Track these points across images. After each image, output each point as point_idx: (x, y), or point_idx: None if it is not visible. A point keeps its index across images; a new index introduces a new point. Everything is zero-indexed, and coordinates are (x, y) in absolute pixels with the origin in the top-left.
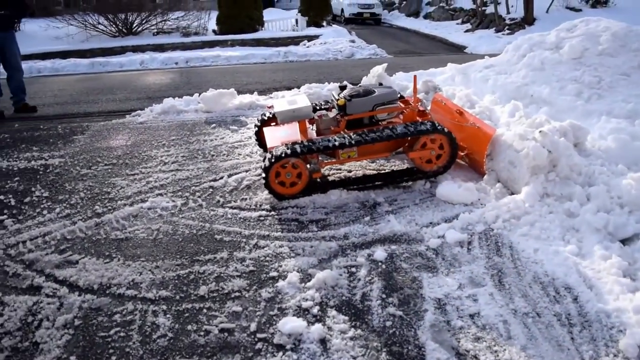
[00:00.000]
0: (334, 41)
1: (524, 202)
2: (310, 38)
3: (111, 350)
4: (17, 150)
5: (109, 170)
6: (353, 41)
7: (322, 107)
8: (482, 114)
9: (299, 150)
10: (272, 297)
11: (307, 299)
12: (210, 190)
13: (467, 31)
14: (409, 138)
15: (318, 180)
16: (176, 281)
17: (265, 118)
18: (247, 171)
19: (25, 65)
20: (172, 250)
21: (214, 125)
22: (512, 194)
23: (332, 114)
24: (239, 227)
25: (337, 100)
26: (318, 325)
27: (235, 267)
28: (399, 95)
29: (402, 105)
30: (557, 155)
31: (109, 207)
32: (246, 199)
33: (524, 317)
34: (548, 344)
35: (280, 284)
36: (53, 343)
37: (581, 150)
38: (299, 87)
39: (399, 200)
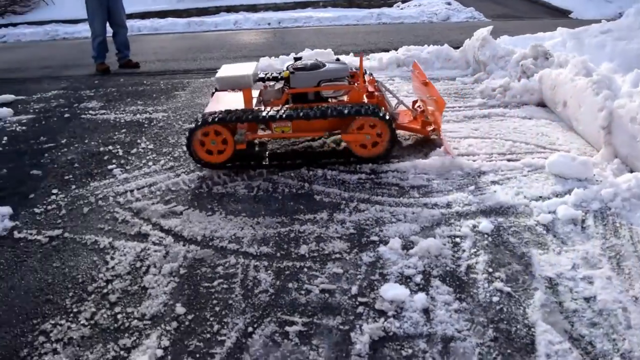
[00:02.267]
0: (429, 3)
1: None
2: (404, 0)
3: (215, 301)
4: (123, 103)
5: None
6: (449, 3)
7: (272, 77)
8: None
9: (217, 118)
10: (373, 262)
11: (409, 267)
12: (309, 150)
13: None
14: (346, 119)
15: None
16: (277, 238)
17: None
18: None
19: (127, 23)
20: (272, 207)
21: None
22: (632, 171)
23: (279, 85)
24: (338, 189)
25: (283, 72)
26: (421, 295)
27: (335, 229)
28: (349, 73)
29: (348, 84)
30: None
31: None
32: (344, 160)
33: None
34: None
35: (382, 249)
36: (160, 289)
37: None
38: (396, 50)
39: (505, 171)
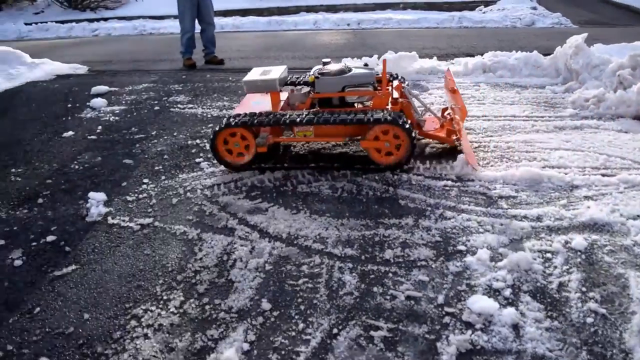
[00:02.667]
0: (513, 7)
1: None
2: (487, 3)
3: (299, 300)
4: (209, 99)
5: None
6: (534, 8)
7: (303, 82)
8: None
9: (240, 121)
10: (460, 272)
11: (498, 279)
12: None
13: None
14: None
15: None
16: (361, 241)
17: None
18: None
19: None
20: (357, 209)
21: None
22: None
23: (306, 89)
24: (423, 195)
25: (309, 76)
26: (511, 309)
27: (421, 235)
28: (374, 79)
29: (372, 90)
30: None
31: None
32: (429, 166)
33: None
34: None
35: (469, 259)
36: (246, 283)
37: None
38: (482, 55)
39: (599, 186)
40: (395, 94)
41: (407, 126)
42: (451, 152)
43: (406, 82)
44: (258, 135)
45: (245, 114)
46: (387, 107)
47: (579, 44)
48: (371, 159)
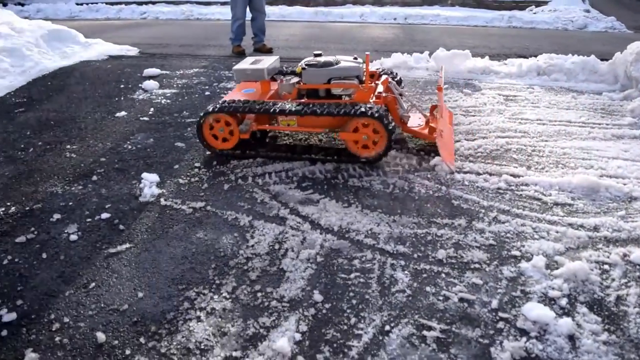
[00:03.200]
0: (566, 9)
1: None
2: (538, 3)
3: (351, 294)
4: None
5: None
6: (587, 11)
7: (292, 72)
8: None
9: (223, 107)
10: (514, 277)
11: (554, 288)
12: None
13: None
14: (345, 118)
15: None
16: (413, 239)
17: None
18: (484, 138)
19: None
20: (409, 207)
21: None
22: None
23: (295, 80)
24: (476, 197)
25: (297, 67)
26: (567, 319)
27: (474, 237)
28: (362, 72)
29: (356, 83)
30: None
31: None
32: (482, 167)
33: None
34: None
35: (524, 265)
36: (298, 274)
37: None
38: (536, 57)
39: None
40: (382, 88)
41: (387, 121)
42: (504, 154)
43: (398, 78)
44: (242, 122)
45: (232, 101)
46: (369, 101)
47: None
48: (348, 150)
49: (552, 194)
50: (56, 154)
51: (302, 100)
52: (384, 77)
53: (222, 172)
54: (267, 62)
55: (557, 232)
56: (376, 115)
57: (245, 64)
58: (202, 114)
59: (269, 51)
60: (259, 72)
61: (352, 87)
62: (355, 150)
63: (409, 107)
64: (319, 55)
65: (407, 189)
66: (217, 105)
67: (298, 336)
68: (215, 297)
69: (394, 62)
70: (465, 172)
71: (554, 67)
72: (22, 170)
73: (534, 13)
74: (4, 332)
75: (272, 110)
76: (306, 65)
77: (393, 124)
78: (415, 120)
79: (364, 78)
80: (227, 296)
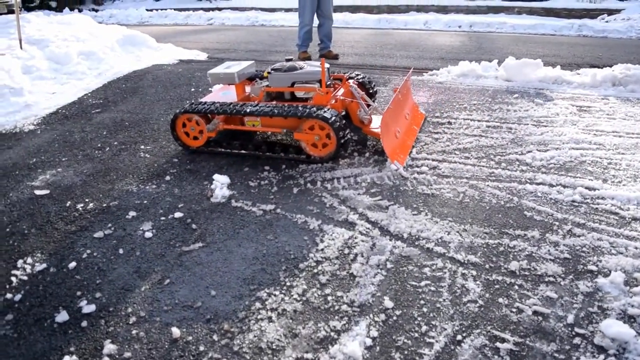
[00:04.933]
0: None
1: None
2: (611, 12)
3: (422, 302)
4: None
5: None
6: None
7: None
8: None
9: (191, 108)
10: (591, 293)
11: (633, 305)
12: (517, 162)
13: None
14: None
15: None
16: (485, 249)
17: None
18: (557, 149)
19: None
20: (480, 216)
21: (516, 95)
22: None
23: (265, 83)
24: (550, 209)
25: (265, 72)
26: None
27: (548, 250)
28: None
29: (315, 87)
30: None
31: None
32: (556, 179)
33: None
34: None
35: (601, 280)
36: (368, 279)
37: None
38: (610, 66)
39: None
40: (341, 92)
41: (337, 124)
42: (578, 166)
43: (369, 82)
44: (210, 122)
45: (202, 102)
46: (327, 104)
47: None
48: (303, 150)
49: (630, 208)
50: (131, 153)
51: (264, 103)
52: (351, 81)
53: (291, 175)
54: (240, 66)
55: (636, 248)
56: (323, 117)
57: (220, 68)
58: (173, 115)
59: (335, 57)
60: (230, 76)
61: (311, 90)
62: (309, 150)
63: (371, 110)
64: (290, 60)
65: (477, 198)
66: (186, 107)
67: (369, 341)
68: (286, 298)
69: (461, 70)
70: (538, 184)
71: (631, 78)
72: (100, 168)
73: (606, 22)
74: (84, 323)
75: (230, 111)
76: (272, 69)
77: (341, 124)
78: (378, 122)
79: (329, 82)
80: (298, 298)
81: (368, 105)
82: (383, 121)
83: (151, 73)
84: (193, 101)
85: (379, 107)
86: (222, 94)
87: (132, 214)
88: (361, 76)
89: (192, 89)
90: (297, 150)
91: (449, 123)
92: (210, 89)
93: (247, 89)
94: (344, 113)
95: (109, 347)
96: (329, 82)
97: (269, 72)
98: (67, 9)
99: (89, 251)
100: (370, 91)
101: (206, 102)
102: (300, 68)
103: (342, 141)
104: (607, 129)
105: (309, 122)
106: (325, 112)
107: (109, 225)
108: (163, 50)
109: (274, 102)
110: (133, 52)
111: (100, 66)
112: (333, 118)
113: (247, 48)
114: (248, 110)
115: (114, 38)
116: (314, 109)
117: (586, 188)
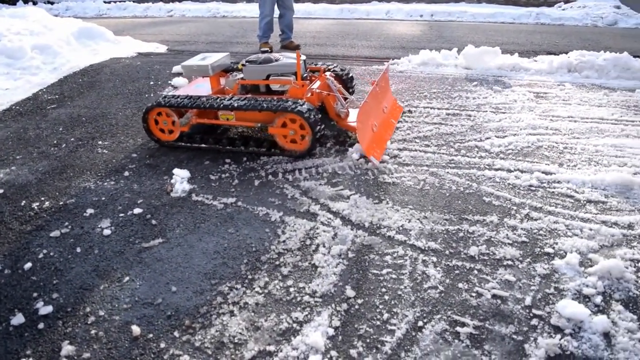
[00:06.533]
0: (595, 5)
1: None
2: (567, 0)
3: (383, 290)
4: None
5: None
6: (618, 7)
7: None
8: None
9: (163, 102)
10: (547, 275)
11: (588, 285)
12: (476, 149)
13: None
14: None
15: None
16: (445, 235)
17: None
18: (514, 135)
19: None
20: (440, 203)
21: (475, 83)
22: None
23: (240, 76)
24: (508, 194)
25: (240, 64)
26: (602, 317)
27: (507, 234)
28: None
29: (290, 80)
30: None
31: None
32: (513, 164)
33: None
34: None
35: (557, 262)
36: (330, 269)
37: None
38: (566, 53)
39: None
40: (317, 85)
41: (312, 119)
42: (535, 152)
43: (348, 73)
44: (183, 116)
45: (174, 96)
46: (303, 97)
47: None
48: (278, 144)
49: (585, 191)
50: (88, 149)
51: (238, 96)
52: (328, 73)
53: (252, 168)
54: (214, 58)
55: (590, 229)
56: (298, 110)
57: (194, 60)
58: (145, 109)
59: (296, 48)
60: (204, 68)
61: (285, 83)
62: (285, 145)
63: (348, 103)
64: (266, 51)
65: (437, 185)
66: (157, 100)
67: (331, 331)
68: (248, 291)
69: (422, 59)
70: (497, 169)
71: (586, 64)
72: (56, 165)
73: (563, 9)
74: (41, 325)
75: (202, 105)
76: (247, 61)
77: (316, 118)
78: (355, 116)
79: (305, 75)
80: (260, 291)
81: (345, 99)
82: (359, 115)
83: (109, 67)
84: (165, 94)
85: (356, 100)
86: (195, 87)
87: (89, 211)
88: (338, 68)
89: (151, 82)
90: (266, 143)
91: (409, 112)
92: (169, 82)
93: (222, 81)
94: (319, 106)
95: (67, 348)
96: (305, 75)
97: (243, 65)
98: (20, 1)
99: (45, 251)
100: (348, 84)
101: (179, 95)
102: (276, 60)
103: (318, 135)
104: (562, 115)
105: (284, 116)
106: (301, 105)
107: (66, 223)
108: (121, 43)
109: (249, 95)
110: (90, 46)
111: (56, 60)
112: (308, 112)
113: (208, 40)
114: (221, 104)
115: (69, 31)
116: (289, 102)
117: (543, 172)
